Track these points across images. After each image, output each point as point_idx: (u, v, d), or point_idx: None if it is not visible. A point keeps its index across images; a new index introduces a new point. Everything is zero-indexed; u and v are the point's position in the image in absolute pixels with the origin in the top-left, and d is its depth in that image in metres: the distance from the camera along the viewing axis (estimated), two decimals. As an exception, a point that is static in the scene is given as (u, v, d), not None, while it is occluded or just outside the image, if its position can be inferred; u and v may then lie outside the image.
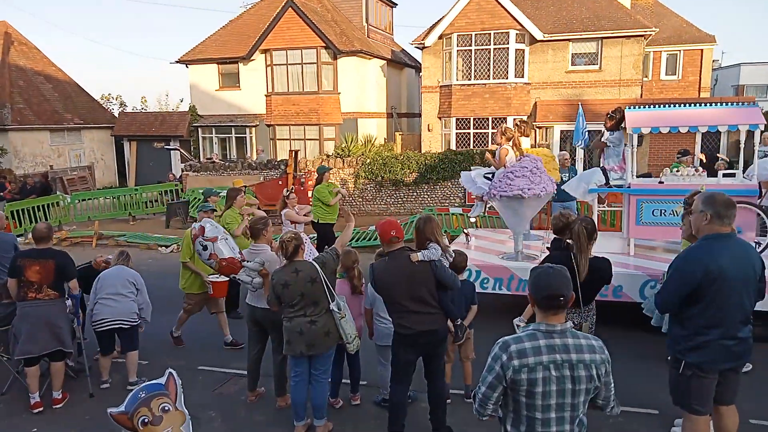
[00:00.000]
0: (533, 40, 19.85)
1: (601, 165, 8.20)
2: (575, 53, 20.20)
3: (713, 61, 27.39)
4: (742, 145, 7.42)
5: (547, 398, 2.53)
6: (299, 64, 22.12)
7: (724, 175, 7.57)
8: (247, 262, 5.16)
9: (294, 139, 22.42)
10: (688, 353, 3.67)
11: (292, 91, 22.26)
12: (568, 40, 19.92)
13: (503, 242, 8.63)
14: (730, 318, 3.57)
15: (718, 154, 14.85)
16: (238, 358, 6.20)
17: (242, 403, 5.48)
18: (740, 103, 9.22)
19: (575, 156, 18.49)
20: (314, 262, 4.63)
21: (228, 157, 23.05)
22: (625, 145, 7.98)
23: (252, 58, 22.63)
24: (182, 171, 18.55)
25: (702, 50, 23.95)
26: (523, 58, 20.12)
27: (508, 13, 19.51)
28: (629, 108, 7.85)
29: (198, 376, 6.12)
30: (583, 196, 8.10)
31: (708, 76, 24.80)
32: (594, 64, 20.07)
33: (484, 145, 20.01)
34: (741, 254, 3.59)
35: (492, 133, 20.06)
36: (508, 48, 19.85)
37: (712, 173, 8.30)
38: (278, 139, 22.67)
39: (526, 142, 8.25)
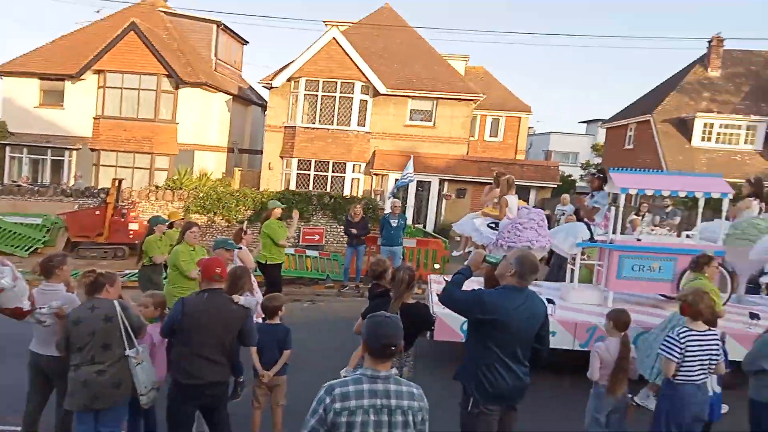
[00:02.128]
0: (377, 93, 20.93)
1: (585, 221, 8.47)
2: (413, 109, 21.65)
3: (529, 128, 31.06)
4: (700, 210, 7.96)
5: None
6: (136, 89, 20.91)
7: (687, 236, 8.22)
8: (40, 308, 4.43)
9: (121, 167, 20.87)
10: (476, 390, 3.95)
11: (125, 116, 20.88)
12: (409, 96, 21.32)
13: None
14: (509, 359, 3.88)
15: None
16: (13, 412, 5.28)
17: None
18: (701, 174, 9.93)
19: (406, 203, 19.58)
20: (116, 302, 4.24)
21: (39, 180, 20.74)
22: (611, 204, 8.26)
23: (82, 77, 20.95)
24: (-19, 194, 16.27)
25: (520, 118, 27.06)
26: (366, 108, 21.09)
27: (356, 65, 20.43)
28: (613, 170, 8.25)
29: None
30: (571, 249, 8.06)
31: (524, 141, 27.98)
32: (429, 121, 21.64)
33: (323, 187, 20.39)
34: (528, 305, 3.93)
35: (332, 176, 20.54)
36: (352, 98, 20.69)
37: None
38: (102, 166, 20.92)
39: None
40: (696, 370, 4.23)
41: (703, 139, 23.05)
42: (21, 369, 4.79)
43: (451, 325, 6.59)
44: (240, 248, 6.66)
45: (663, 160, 22.56)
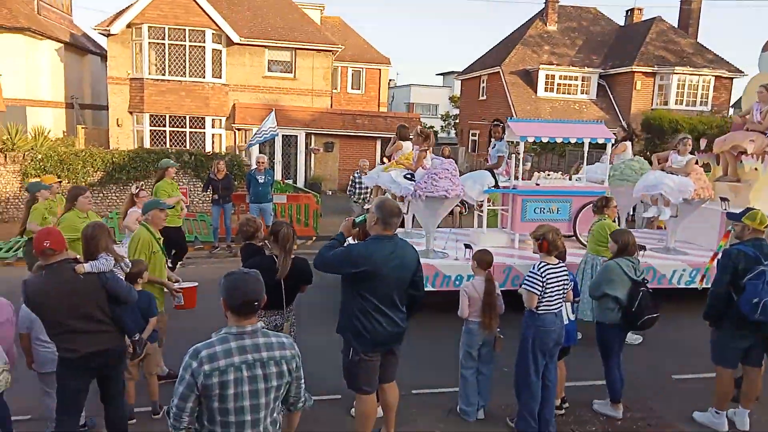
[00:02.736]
0: (230, 42, 19.81)
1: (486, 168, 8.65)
2: (271, 60, 20.88)
3: (390, 80, 31.52)
4: (585, 155, 8.69)
5: (240, 400, 2.53)
6: (-60, 34, 17.79)
7: (577, 180, 8.87)
8: None
9: (-67, 127, 17.88)
10: (354, 339, 4.09)
11: (-71, 67, 17.72)
12: (265, 46, 20.47)
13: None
14: (385, 308, 4.06)
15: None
16: None
17: None
18: (585, 121, 10.44)
19: (274, 159, 19.13)
20: None
21: None
22: (513, 153, 8.62)
23: None
24: None
25: (380, 70, 27.33)
26: (221, 58, 19.93)
27: (204, 11, 19.08)
28: (510, 119, 8.48)
29: None
30: (479, 196, 8.45)
31: (386, 93, 28.41)
32: (289, 73, 21.04)
33: (181, 144, 19.18)
34: (399, 254, 4.08)
35: (190, 132, 19.37)
36: (204, 47, 19.40)
37: None
38: None
39: (407, 147, 8.48)
40: (554, 300, 4.66)
41: (546, 89, 25.07)
42: None
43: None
44: (170, 207, 6.18)
45: (513, 109, 24.24)
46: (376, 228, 4.09)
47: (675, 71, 23.98)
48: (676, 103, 24.12)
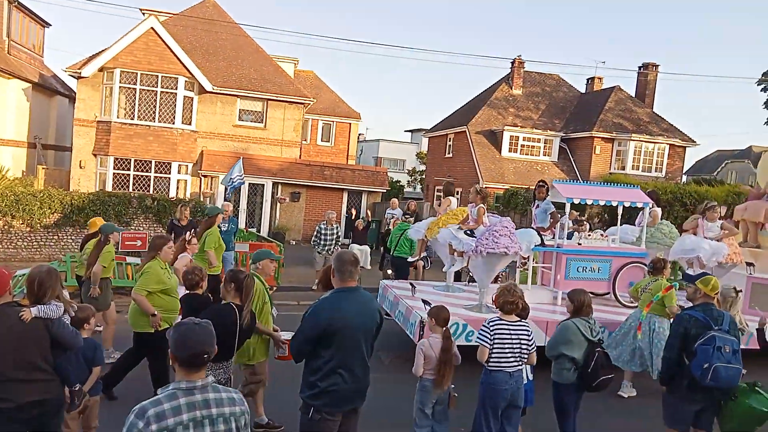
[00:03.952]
0: (202, 90, 19.97)
1: (533, 227, 9.02)
2: (243, 109, 21.07)
3: (359, 134, 32.05)
4: (620, 217, 9.37)
5: None
6: None
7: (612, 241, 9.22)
8: None
9: None
10: (316, 398, 3.91)
11: None
12: (237, 96, 20.68)
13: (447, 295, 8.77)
14: (351, 363, 3.93)
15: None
16: None
17: None
18: (623, 185, 11.03)
19: (238, 207, 19.01)
20: None
21: None
22: (555, 210, 9.04)
23: None
24: None
25: (350, 124, 27.83)
26: (192, 106, 20.02)
27: (178, 59, 19.28)
28: (557, 181, 8.89)
29: None
30: (526, 252, 8.54)
31: (355, 146, 28.85)
32: (260, 122, 21.23)
33: (145, 188, 18.93)
34: (365, 305, 4.02)
35: (154, 177, 19.16)
36: (176, 93, 19.50)
37: None
38: None
39: (454, 203, 9.12)
40: (508, 358, 4.66)
41: (510, 150, 25.82)
42: None
43: None
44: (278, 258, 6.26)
45: (478, 168, 24.83)
46: (335, 280, 4.04)
47: (632, 138, 25.06)
48: (632, 168, 25.10)
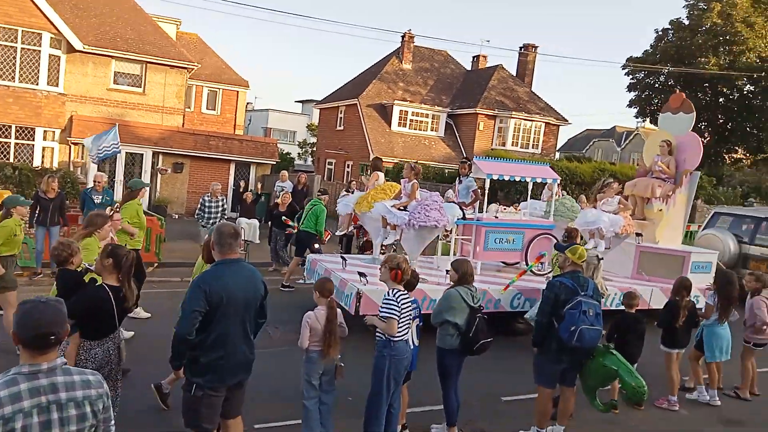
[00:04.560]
0: (71, 49, 18.21)
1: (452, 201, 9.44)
2: (118, 72, 19.54)
3: (247, 103, 30.98)
4: (529, 192, 10.35)
5: None
6: None
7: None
8: None
9: None
10: (198, 374, 3.86)
11: None
12: (111, 56, 19.12)
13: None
14: (234, 336, 3.90)
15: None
16: None
17: None
18: (535, 163, 11.47)
19: (114, 178, 17.72)
20: None
21: None
22: (478, 187, 9.62)
23: None
24: None
25: (238, 92, 26.78)
26: (59, 65, 18.21)
27: (42, 12, 17.35)
28: (478, 158, 9.11)
29: None
30: (450, 226, 9.02)
31: (242, 116, 27.85)
32: (138, 87, 19.84)
33: (5, 156, 17.06)
34: (248, 277, 3.99)
35: (15, 143, 17.30)
36: (40, 51, 17.61)
37: None
38: None
39: (382, 177, 9.67)
40: (405, 328, 4.86)
41: (399, 124, 26.29)
42: None
43: (376, 300, 6.99)
44: None
45: (369, 141, 25.05)
46: (215, 253, 4.00)
47: (512, 116, 26.49)
48: (512, 145, 26.61)
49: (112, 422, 2.53)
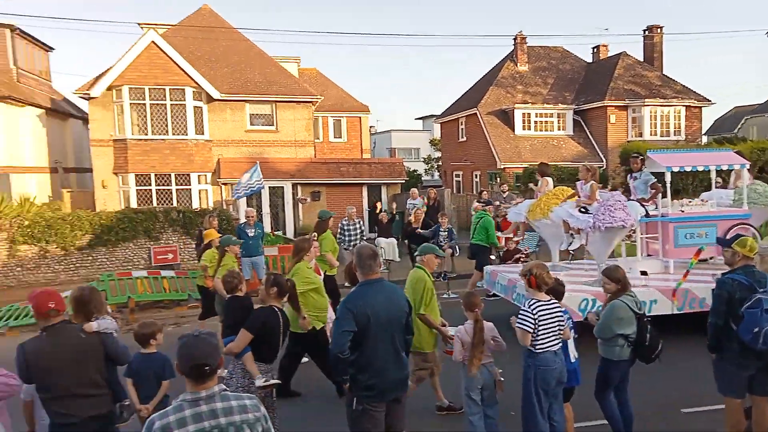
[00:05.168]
0: (210, 99, 20.11)
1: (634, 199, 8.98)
2: (253, 113, 21.18)
3: (370, 127, 32.05)
4: (713, 182, 9.86)
5: None
6: None
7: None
8: None
9: None
10: (357, 390, 4.04)
11: None
12: (245, 101, 20.80)
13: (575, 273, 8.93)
14: (384, 354, 4.03)
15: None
16: None
17: None
18: (718, 148, 11.15)
19: (261, 211, 19.18)
20: None
21: None
22: (656, 181, 9.00)
23: None
24: None
25: (360, 117, 27.83)
26: (202, 115, 20.17)
27: (183, 70, 19.41)
28: (652, 151, 9.00)
29: None
30: (635, 224, 8.68)
31: (367, 140, 28.85)
32: (271, 125, 21.34)
33: (168, 202, 19.18)
34: (390, 296, 4.11)
35: (176, 189, 19.40)
36: (185, 104, 19.66)
37: None
38: None
39: (551, 183, 9.37)
40: (551, 338, 4.67)
41: (523, 127, 25.67)
42: None
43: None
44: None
45: (493, 148, 24.73)
46: (358, 275, 4.16)
47: (645, 103, 24.77)
48: (651, 134, 24.82)
49: None
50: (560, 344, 4.76)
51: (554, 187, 9.58)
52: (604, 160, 24.57)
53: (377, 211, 17.13)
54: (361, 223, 13.21)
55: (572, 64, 29.68)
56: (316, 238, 8.31)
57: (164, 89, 19.33)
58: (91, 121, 19.67)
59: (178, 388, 4.08)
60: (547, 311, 4.67)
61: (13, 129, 19.48)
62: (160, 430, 2.45)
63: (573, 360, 5.00)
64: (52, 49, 25.23)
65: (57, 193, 20.94)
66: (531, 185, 10.15)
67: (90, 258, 14.60)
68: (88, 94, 18.99)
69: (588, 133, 26.29)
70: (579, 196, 8.64)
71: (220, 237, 8.29)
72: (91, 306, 3.98)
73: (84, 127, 23.98)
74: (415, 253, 6.12)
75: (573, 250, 9.28)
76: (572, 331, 5.04)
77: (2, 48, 21.37)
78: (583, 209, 8.11)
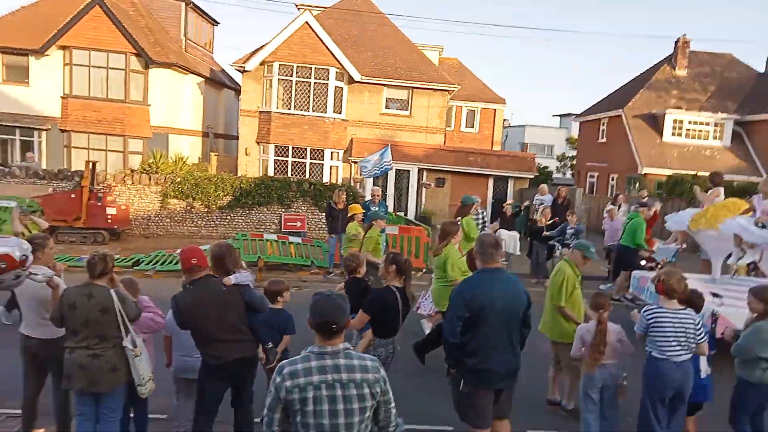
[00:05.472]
0: (351, 80, 20.77)
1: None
2: (389, 98, 21.58)
3: (504, 120, 31.32)
4: None
5: (319, 417, 2.63)
6: (104, 67, 20.16)
7: None
8: (33, 273, 4.23)
9: (94, 149, 20.16)
10: (464, 374, 4.04)
11: (94, 96, 20.13)
12: (384, 84, 21.22)
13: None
14: (496, 343, 3.99)
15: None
16: (12, 396, 5.09)
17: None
18: None
19: (386, 192, 19.58)
20: (113, 292, 4.11)
21: (10, 162, 19.92)
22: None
23: (46, 53, 20.08)
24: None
25: (495, 110, 27.28)
26: (342, 95, 20.91)
27: (329, 51, 20.21)
28: None
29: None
30: None
31: (500, 132, 28.25)
32: (405, 110, 21.62)
33: (301, 173, 20.19)
34: (508, 287, 4.04)
35: (310, 163, 20.39)
36: (327, 84, 20.48)
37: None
38: (74, 147, 20.19)
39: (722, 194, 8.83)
40: (672, 347, 4.39)
41: (673, 134, 23.71)
42: (17, 354, 4.65)
43: (732, 321, 6.26)
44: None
45: (636, 153, 23.14)
46: (477, 263, 4.16)
47: (825, 119, 21.78)
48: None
49: (392, 405, 2.82)
50: (686, 356, 4.47)
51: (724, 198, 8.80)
52: (765, 176, 22.00)
53: (502, 204, 16.76)
54: (484, 213, 13.00)
55: (740, 72, 26.81)
56: (458, 222, 8.32)
57: (310, 68, 20.28)
58: (243, 92, 21.17)
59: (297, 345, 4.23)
60: (667, 319, 4.43)
61: (176, 94, 21.53)
62: (288, 375, 2.66)
63: (704, 375, 4.74)
64: (217, 23, 27.45)
65: (206, 156, 22.90)
66: (697, 191, 9.30)
67: (228, 217, 15.80)
68: (243, 68, 20.43)
69: (748, 145, 23.68)
70: (755, 212, 7.99)
71: (365, 212, 8.63)
72: (227, 261, 4.31)
73: (235, 97, 25.94)
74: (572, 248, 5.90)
75: (749, 265, 8.40)
76: (708, 345, 4.67)
77: (176, 20, 23.65)
78: (761, 225, 7.63)
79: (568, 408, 5.72)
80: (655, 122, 24.18)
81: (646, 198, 14.71)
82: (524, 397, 5.23)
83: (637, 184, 21.31)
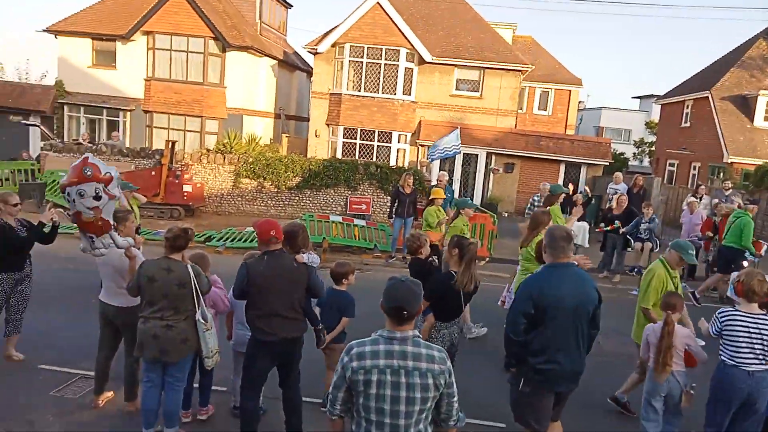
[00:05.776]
0: (422, 61, 20.58)
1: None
2: (460, 79, 21.23)
3: (579, 102, 30.16)
4: None
5: (381, 401, 2.63)
6: (184, 51, 21.07)
7: None
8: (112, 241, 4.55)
9: (173, 129, 21.26)
10: (525, 374, 3.87)
11: (174, 79, 21.12)
12: (455, 65, 20.89)
13: None
14: (563, 343, 3.78)
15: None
16: (87, 358, 5.57)
17: (86, 408, 5.04)
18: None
19: (452, 176, 19.39)
20: (189, 268, 4.36)
21: (97, 140, 21.31)
22: None
23: (132, 38, 21.21)
24: (41, 150, 16.84)
25: (570, 91, 26.27)
26: (412, 77, 20.79)
27: (401, 31, 20.09)
28: None
29: (38, 375, 5.55)
30: None
31: (574, 115, 27.24)
32: (476, 91, 21.21)
33: (369, 156, 20.34)
34: (577, 283, 3.81)
35: (377, 146, 20.48)
36: (398, 65, 20.41)
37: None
38: (155, 127, 21.36)
39: None
40: (745, 354, 4.15)
41: (766, 119, 22.02)
42: (95, 317, 5.06)
43: None
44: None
45: (722, 139, 21.68)
46: (546, 256, 3.93)
47: None
48: None
49: (455, 398, 2.78)
50: (761, 365, 4.20)
51: None
52: None
53: (571, 192, 16.21)
54: (539, 199, 12.61)
55: None
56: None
57: (381, 49, 20.27)
58: (314, 74, 21.51)
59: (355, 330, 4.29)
60: (742, 324, 4.18)
61: (251, 76, 22.15)
62: (356, 356, 2.68)
63: None
64: (290, 6, 27.90)
65: (277, 137, 23.50)
66: None
67: (297, 198, 16.21)
68: (315, 50, 20.71)
69: None
70: None
71: (458, 199, 8.65)
72: (298, 240, 4.46)
73: (307, 79, 26.36)
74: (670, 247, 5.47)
75: None
76: None
77: (252, 3, 24.26)
78: None
79: (622, 400, 5.58)
80: (746, 105, 22.50)
81: (730, 190, 13.82)
82: (577, 397, 5.11)
83: (722, 174, 19.97)
